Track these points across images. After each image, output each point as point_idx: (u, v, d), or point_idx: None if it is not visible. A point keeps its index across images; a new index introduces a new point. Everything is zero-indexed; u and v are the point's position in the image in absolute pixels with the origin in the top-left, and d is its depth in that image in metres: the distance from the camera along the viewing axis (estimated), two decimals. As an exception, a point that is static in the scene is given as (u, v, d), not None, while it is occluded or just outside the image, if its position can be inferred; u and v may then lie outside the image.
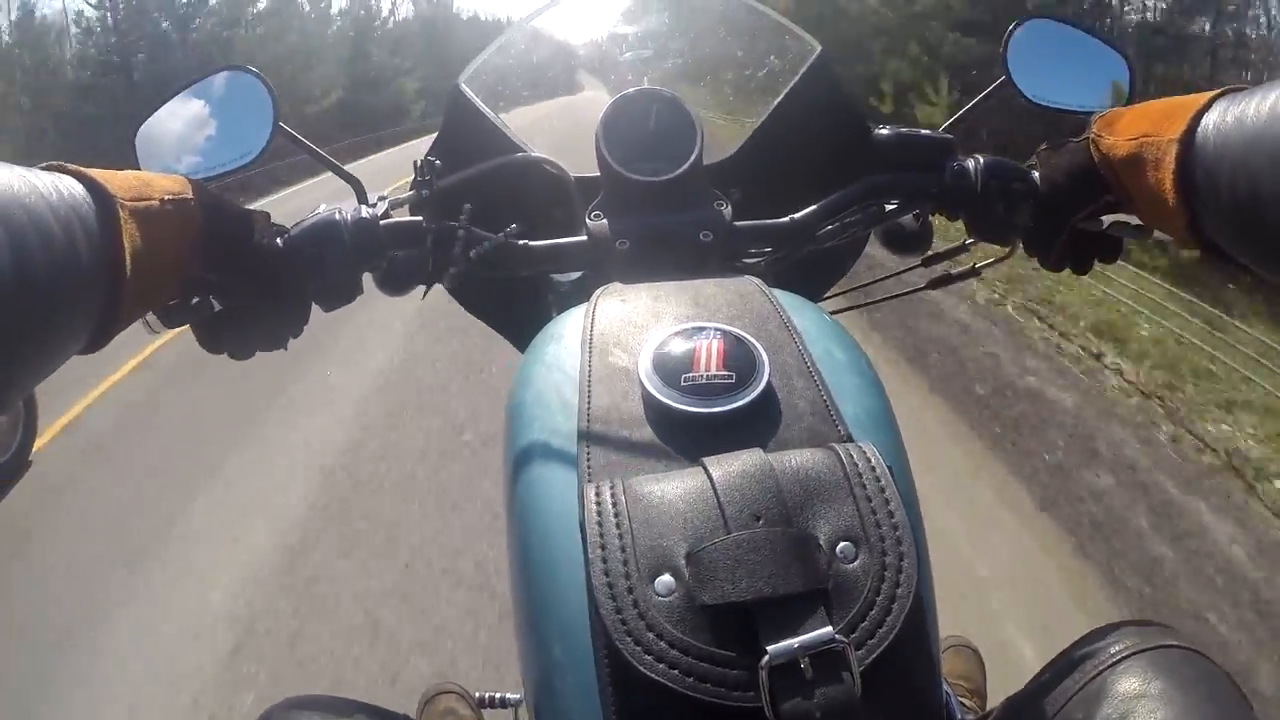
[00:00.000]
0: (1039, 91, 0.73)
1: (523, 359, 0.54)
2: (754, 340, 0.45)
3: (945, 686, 0.61)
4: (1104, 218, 0.61)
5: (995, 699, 1.11)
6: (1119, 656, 0.51)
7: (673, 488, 0.37)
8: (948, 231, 0.74)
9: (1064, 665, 0.53)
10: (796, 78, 0.73)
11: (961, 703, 1.06)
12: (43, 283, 0.37)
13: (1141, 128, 0.51)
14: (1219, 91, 0.46)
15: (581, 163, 0.69)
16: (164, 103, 0.69)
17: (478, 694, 1.01)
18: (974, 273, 0.75)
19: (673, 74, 0.84)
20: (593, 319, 0.50)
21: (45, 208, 0.38)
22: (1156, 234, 0.57)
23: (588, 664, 0.37)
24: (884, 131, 0.68)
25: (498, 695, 0.95)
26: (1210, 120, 0.45)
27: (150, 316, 0.52)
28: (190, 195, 0.50)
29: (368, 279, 0.63)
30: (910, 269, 0.78)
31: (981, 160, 0.65)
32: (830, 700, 0.32)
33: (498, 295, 0.63)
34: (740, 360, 0.44)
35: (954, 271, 0.76)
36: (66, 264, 0.38)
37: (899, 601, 0.35)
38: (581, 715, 0.37)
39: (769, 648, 0.32)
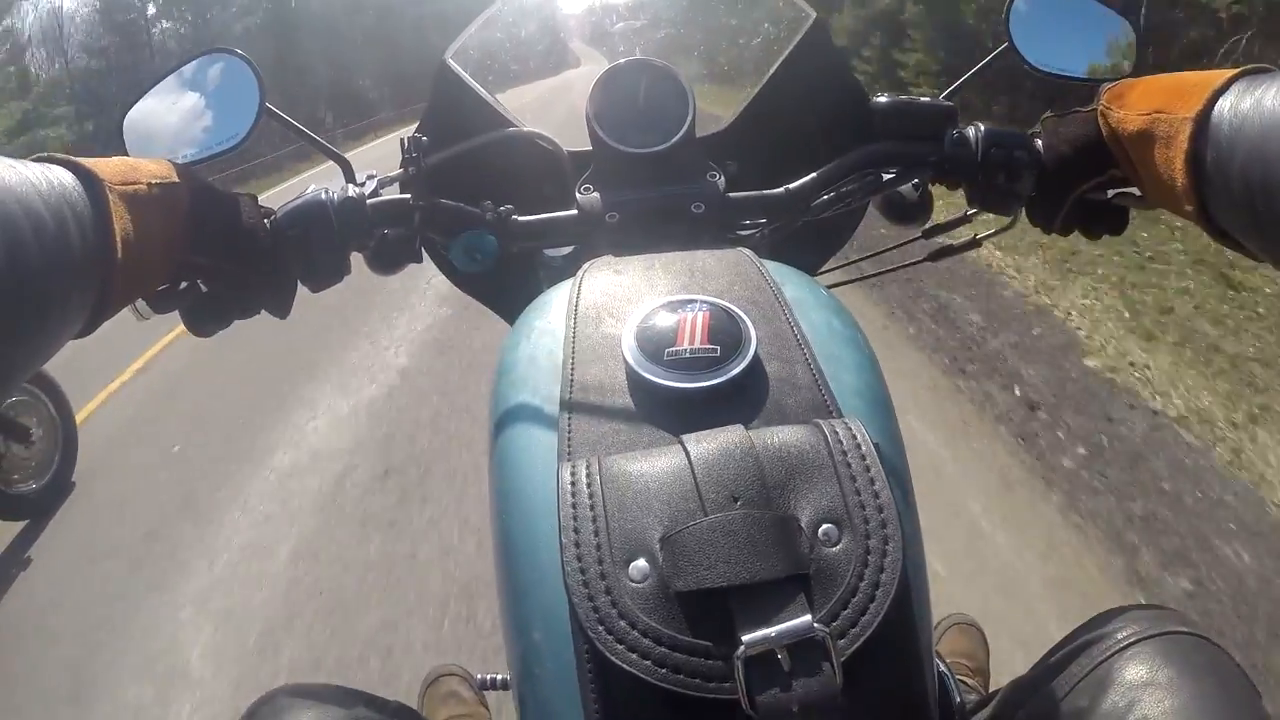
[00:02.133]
0: (1042, 58, 0.71)
1: (509, 333, 0.53)
2: (741, 313, 0.44)
3: (942, 667, 0.60)
4: (1109, 190, 0.59)
5: (998, 675, 1.12)
6: (1126, 642, 0.50)
7: (650, 467, 0.36)
8: (949, 201, 0.73)
9: (1071, 650, 0.52)
10: (791, 45, 0.71)
11: (964, 681, 1.06)
12: (36, 271, 0.37)
13: (1154, 103, 0.49)
14: (1239, 71, 0.44)
15: (573, 136, 0.67)
16: (150, 88, 0.68)
17: (479, 676, 1.01)
18: (975, 243, 0.73)
19: (665, 44, 0.82)
20: (579, 292, 0.49)
21: (36, 197, 0.38)
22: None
23: (567, 650, 0.36)
24: (882, 99, 0.66)
25: (499, 677, 0.95)
26: (1227, 102, 0.43)
27: (139, 303, 0.53)
28: (177, 179, 0.51)
29: (357, 259, 0.63)
30: (910, 240, 0.77)
31: (982, 128, 0.63)
32: (809, 692, 0.30)
33: (489, 271, 0.62)
34: (726, 334, 0.43)
35: (955, 243, 0.74)
36: (58, 252, 0.39)
37: (883, 588, 0.33)
38: (561, 701, 0.36)
39: (744, 638, 0.31)
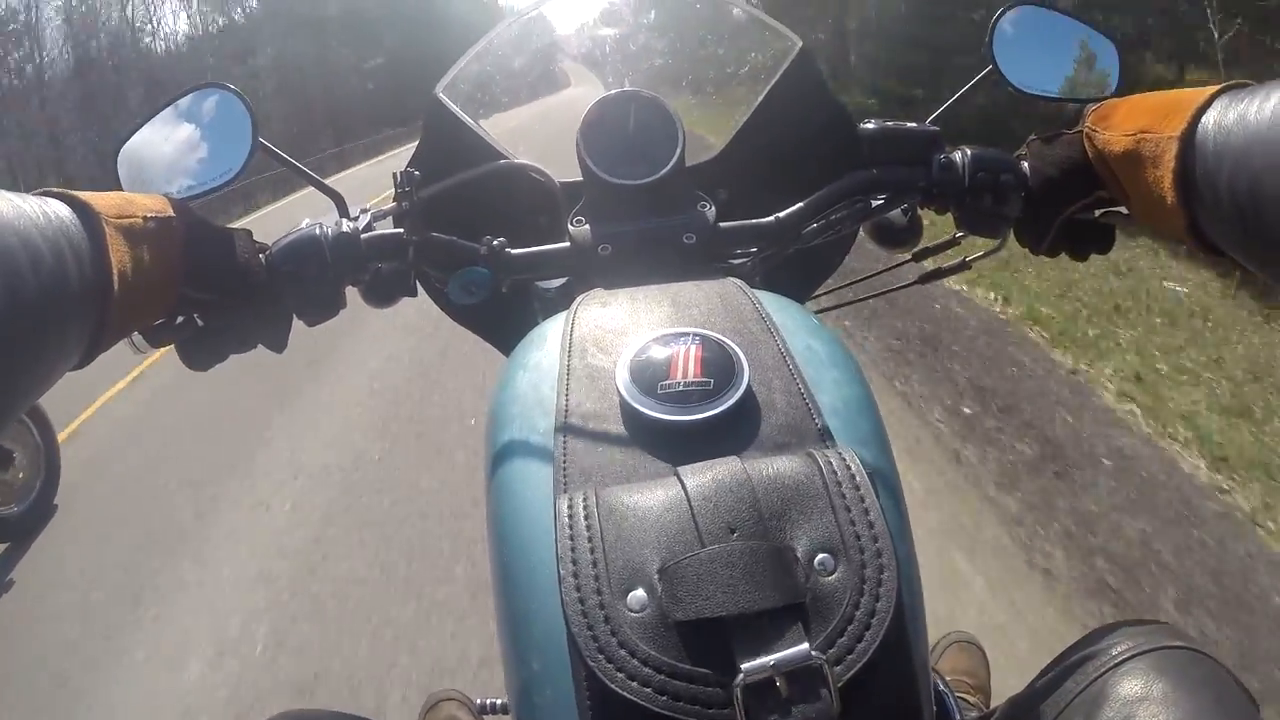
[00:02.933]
0: (1025, 79, 0.72)
1: (504, 365, 0.53)
2: (733, 344, 0.45)
3: (942, 686, 0.61)
4: (1096, 210, 0.60)
5: (999, 695, 1.11)
6: (1122, 658, 0.50)
7: (646, 499, 0.37)
8: (938, 224, 0.73)
9: (1066, 666, 0.53)
10: (778, 75, 0.72)
11: (965, 699, 1.06)
12: (33, 304, 0.38)
13: (1139, 123, 0.50)
14: (1220, 87, 0.45)
15: (565, 168, 0.68)
16: (144, 122, 0.69)
17: (479, 700, 1.01)
18: (964, 266, 0.74)
19: (654, 75, 0.83)
20: (572, 325, 0.50)
21: (34, 231, 0.39)
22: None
23: (566, 679, 0.36)
24: (869, 126, 0.67)
25: (499, 701, 0.94)
26: (1211, 118, 0.44)
27: (136, 336, 0.53)
28: (172, 213, 0.51)
29: (352, 293, 0.63)
30: (900, 264, 0.77)
31: (969, 152, 0.63)
32: (808, 719, 0.31)
33: (484, 303, 0.62)
34: (718, 365, 0.43)
35: (944, 265, 0.75)
36: (56, 285, 0.39)
37: (879, 615, 0.34)
38: None
39: (743, 666, 0.32)
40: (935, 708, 0.56)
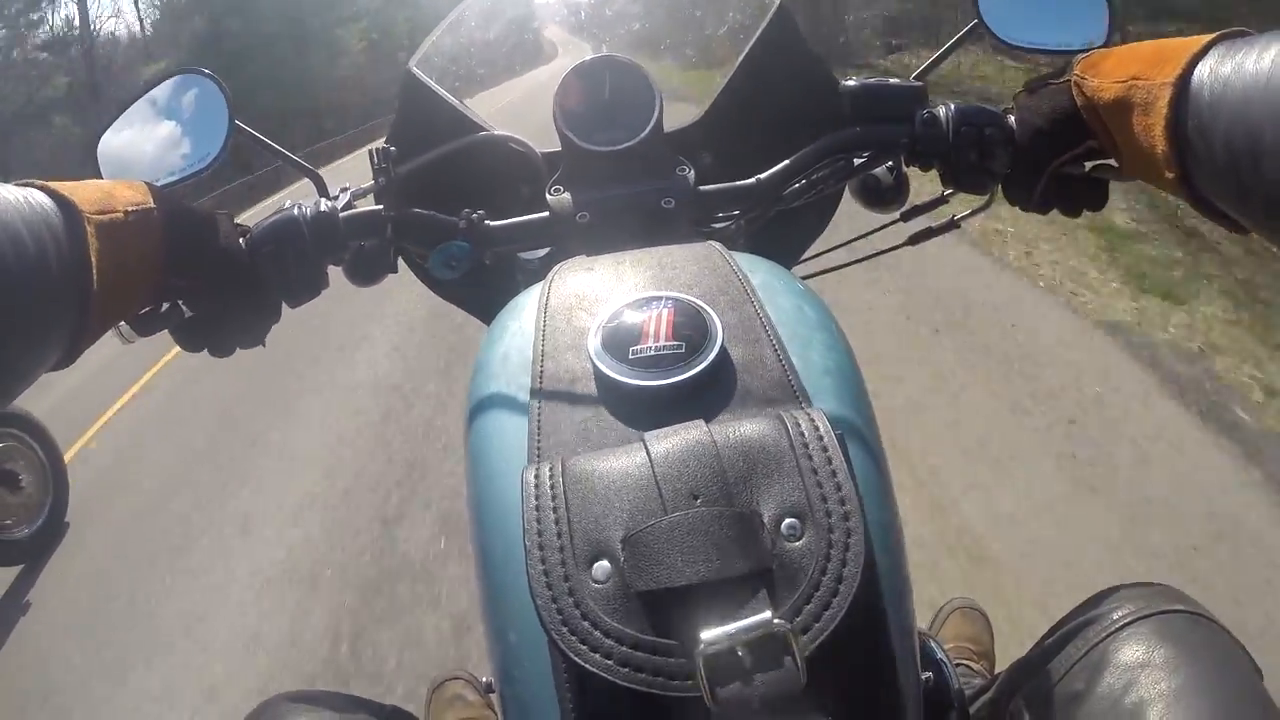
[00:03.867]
0: (1013, 32, 0.70)
1: (485, 334, 0.53)
2: (708, 307, 0.44)
3: (940, 654, 0.60)
4: (1086, 163, 0.58)
5: (1004, 660, 1.11)
6: (1124, 622, 0.50)
7: (611, 467, 0.36)
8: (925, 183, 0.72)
9: (1068, 630, 0.52)
10: (757, 34, 0.71)
11: (969, 666, 1.05)
12: (15, 291, 0.38)
13: (1130, 69, 0.48)
14: (1217, 35, 0.43)
15: (545, 138, 0.67)
16: (121, 111, 0.68)
17: (485, 679, 1.02)
18: (954, 224, 0.72)
19: (631, 39, 0.82)
20: (549, 293, 0.49)
21: (17, 218, 0.39)
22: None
23: (542, 651, 0.36)
24: (851, 83, 0.65)
25: None
26: (1207, 66, 0.42)
27: (123, 326, 0.53)
28: (152, 204, 0.51)
29: (336, 273, 0.63)
30: (888, 225, 0.76)
31: (953, 107, 0.62)
32: (771, 687, 0.30)
33: (467, 277, 0.62)
34: (692, 329, 0.43)
35: (934, 225, 0.74)
36: (39, 276, 0.39)
37: (845, 582, 0.33)
38: (539, 702, 0.36)
39: (703, 635, 0.31)
40: (930, 675, 0.56)
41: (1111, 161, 0.56)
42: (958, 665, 1.03)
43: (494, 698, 1.12)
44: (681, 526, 0.33)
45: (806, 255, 0.78)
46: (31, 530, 2.76)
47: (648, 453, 0.36)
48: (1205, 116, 0.42)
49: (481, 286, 0.71)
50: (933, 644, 0.62)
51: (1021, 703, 0.52)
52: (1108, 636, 0.49)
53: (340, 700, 0.59)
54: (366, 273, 0.65)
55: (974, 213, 0.70)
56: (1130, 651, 0.48)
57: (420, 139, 0.65)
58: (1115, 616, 0.50)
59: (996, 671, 0.80)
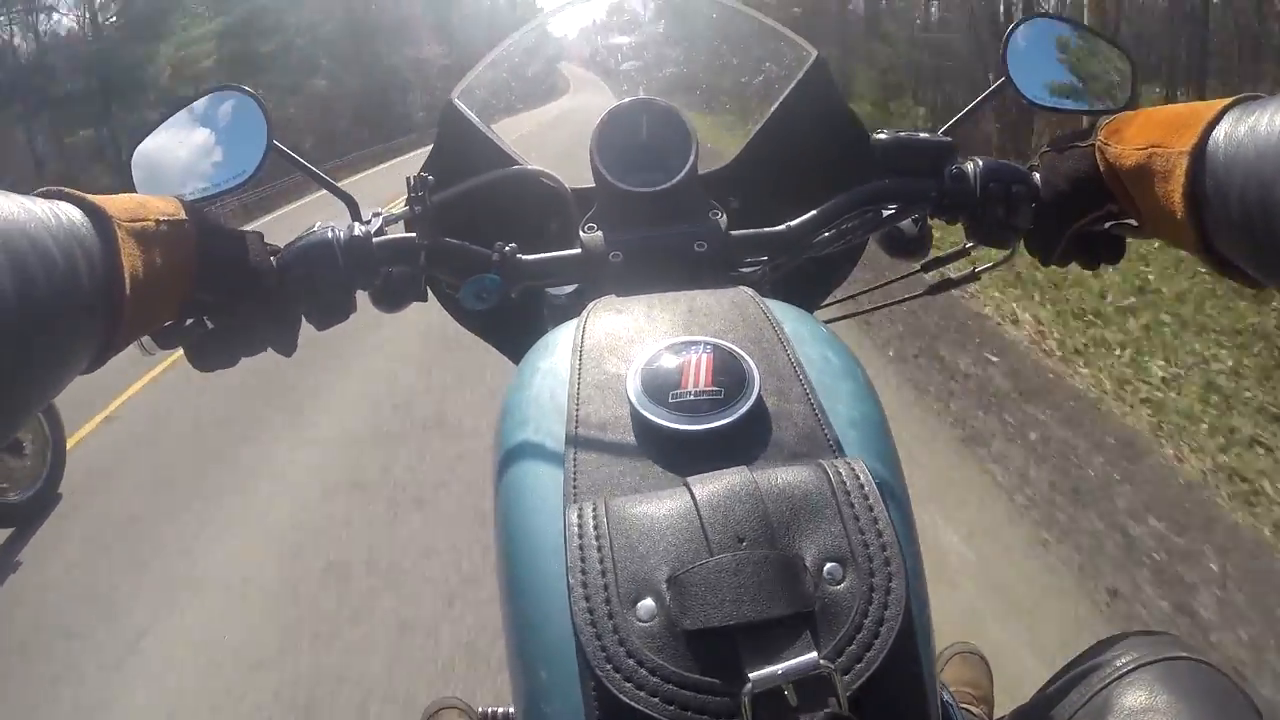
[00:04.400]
0: (1039, 92, 0.72)
1: (515, 373, 0.53)
2: (744, 354, 0.45)
3: (947, 696, 0.60)
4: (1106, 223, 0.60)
5: (1002, 705, 1.11)
6: (1126, 669, 0.50)
7: (655, 509, 0.37)
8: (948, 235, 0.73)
9: (1071, 677, 0.53)
10: (792, 84, 0.72)
11: (968, 710, 1.05)
12: (45, 308, 0.38)
13: (1150, 137, 0.50)
14: (1231, 101, 0.45)
15: (577, 175, 0.68)
16: (159, 124, 0.69)
17: (480, 709, 1.00)
18: (974, 276, 0.74)
19: (668, 83, 0.83)
20: (583, 333, 0.50)
21: (45, 234, 0.39)
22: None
23: (574, 689, 0.36)
24: (882, 136, 0.67)
25: (499, 710, 0.94)
26: (1222, 131, 0.44)
27: (145, 339, 0.53)
28: (184, 217, 0.51)
29: (362, 298, 0.63)
30: (910, 274, 0.77)
31: (981, 163, 0.63)
32: None
33: (493, 309, 0.63)
34: (729, 375, 0.43)
35: (954, 276, 0.75)
36: (68, 289, 0.39)
37: (887, 624, 0.34)
38: None
39: (751, 675, 0.31)
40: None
41: (1131, 221, 0.57)
42: (961, 710, 1.03)
43: None
44: (728, 568, 0.34)
45: (828, 300, 0.79)
46: (26, 496, 2.88)
47: (692, 496, 0.37)
48: (1221, 177, 0.43)
49: (505, 318, 0.71)
50: (940, 688, 0.63)
51: None
52: (1112, 682, 0.50)
53: None
54: (394, 299, 0.65)
55: (995, 265, 0.71)
56: (1133, 697, 0.48)
57: (456, 168, 0.65)
58: (1119, 664, 0.51)
59: (996, 716, 0.80)
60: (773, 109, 0.72)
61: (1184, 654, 0.51)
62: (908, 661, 0.36)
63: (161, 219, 0.49)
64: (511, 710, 0.92)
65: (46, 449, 3.03)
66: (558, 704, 0.37)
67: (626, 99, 0.68)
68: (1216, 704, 0.47)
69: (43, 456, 3.01)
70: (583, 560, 0.35)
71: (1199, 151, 0.45)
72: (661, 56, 0.82)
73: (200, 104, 0.70)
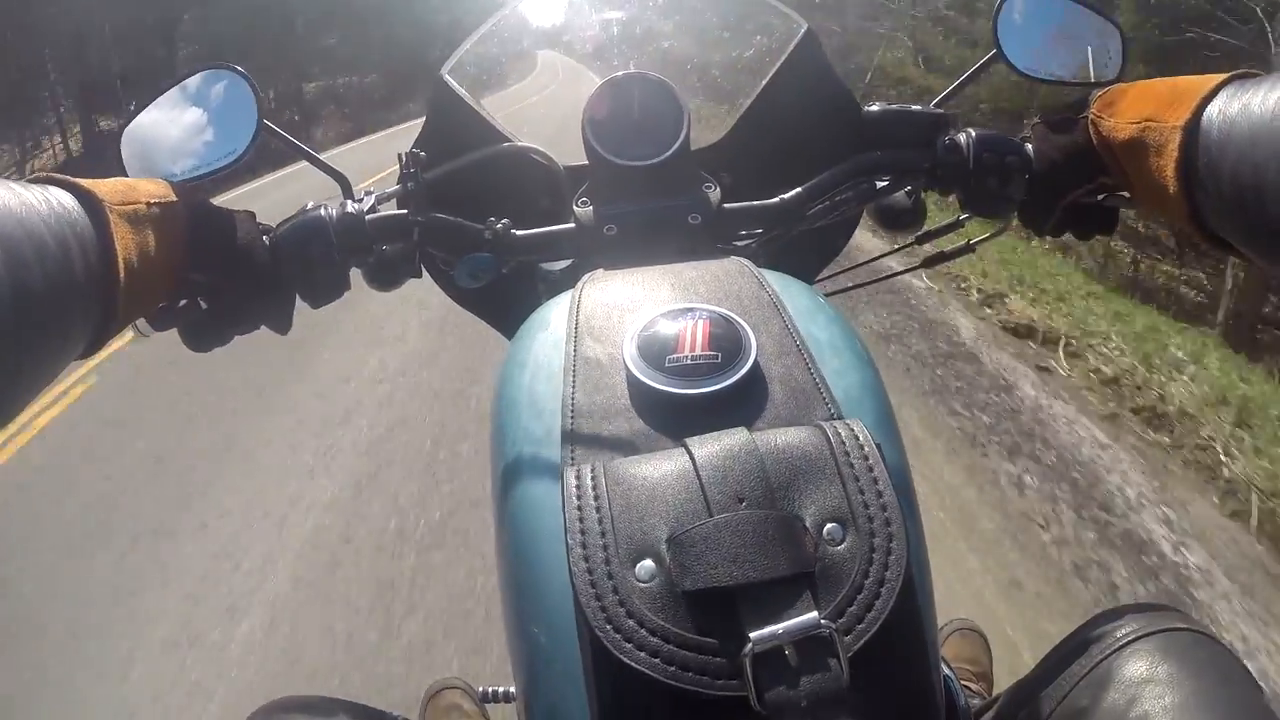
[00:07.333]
0: (1030, 63, 0.72)
1: (509, 347, 0.53)
2: (740, 320, 0.45)
3: (946, 670, 0.61)
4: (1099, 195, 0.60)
5: (1001, 682, 1.12)
6: (1126, 640, 0.50)
7: (654, 470, 0.37)
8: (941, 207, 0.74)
9: (1071, 649, 0.53)
10: (783, 57, 0.72)
11: (967, 687, 1.06)
12: (40, 295, 0.37)
13: (1144, 111, 0.50)
14: (1227, 76, 0.45)
15: (570, 150, 0.68)
16: (148, 104, 0.68)
17: (481, 689, 1.01)
18: (968, 248, 0.74)
19: (659, 58, 0.83)
20: (578, 305, 0.50)
21: (38, 220, 0.38)
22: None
23: (573, 652, 0.36)
24: (874, 108, 0.67)
25: (500, 689, 0.95)
26: (1216, 108, 0.44)
27: (140, 321, 0.53)
28: (175, 198, 0.51)
29: (355, 274, 0.63)
30: (904, 247, 0.77)
31: (974, 134, 0.63)
32: (817, 688, 0.31)
33: (486, 285, 0.63)
34: (726, 340, 0.43)
35: (948, 249, 0.75)
36: (62, 275, 0.39)
37: (888, 584, 0.34)
38: (568, 704, 0.36)
39: (752, 635, 0.31)
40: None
41: (1124, 193, 0.58)
42: (960, 685, 1.04)
43: (491, 708, 1.11)
44: (728, 528, 0.34)
45: (822, 275, 0.79)
46: None
47: (691, 457, 0.37)
48: (1214, 155, 0.44)
49: (498, 294, 0.71)
50: (940, 658, 0.63)
51: (1027, 719, 0.53)
52: (1111, 654, 0.50)
53: (339, 706, 0.58)
54: (388, 277, 0.65)
55: (990, 237, 0.71)
56: (1134, 668, 0.48)
57: (448, 145, 0.65)
58: (1118, 635, 0.51)
59: (995, 693, 0.80)
60: (764, 82, 0.72)
61: (1184, 625, 0.51)
62: (908, 622, 0.36)
63: (152, 201, 0.48)
64: (511, 690, 0.93)
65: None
66: (557, 666, 0.38)
67: (619, 73, 0.68)
68: (1217, 675, 0.47)
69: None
70: (581, 521, 0.35)
71: (1192, 127, 0.45)
72: (655, 31, 0.81)
73: (192, 82, 0.69)
